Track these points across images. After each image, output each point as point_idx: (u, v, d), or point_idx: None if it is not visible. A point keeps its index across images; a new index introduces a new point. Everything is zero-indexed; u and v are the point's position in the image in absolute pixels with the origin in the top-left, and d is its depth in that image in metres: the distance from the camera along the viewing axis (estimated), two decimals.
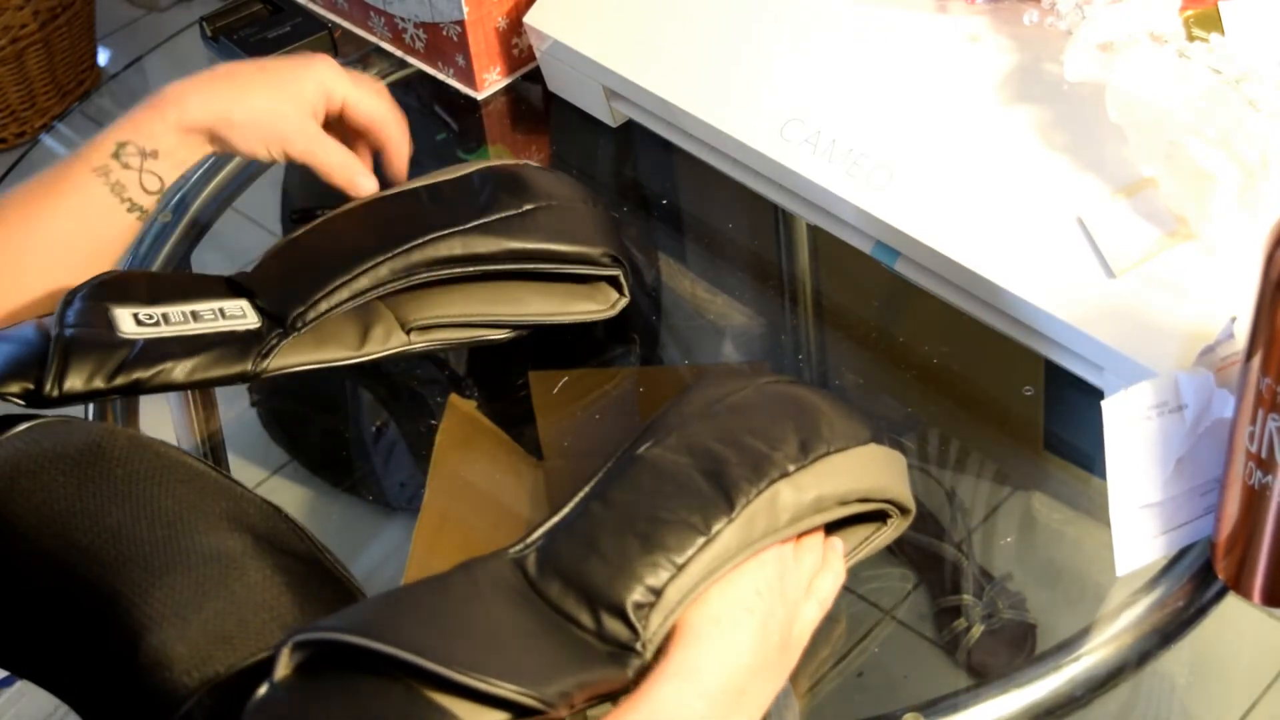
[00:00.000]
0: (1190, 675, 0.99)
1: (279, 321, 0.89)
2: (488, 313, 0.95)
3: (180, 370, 0.84)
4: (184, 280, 0.91)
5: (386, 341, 0.92)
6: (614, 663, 0.70)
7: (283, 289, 0.90)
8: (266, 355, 0.87)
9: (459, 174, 0.98)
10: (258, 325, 0.88)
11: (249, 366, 0.87)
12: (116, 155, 0.90)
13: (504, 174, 0.97)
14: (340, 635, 0.66)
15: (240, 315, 0.88)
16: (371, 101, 0.98)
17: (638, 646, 0.71)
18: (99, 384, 0.81)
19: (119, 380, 0.82)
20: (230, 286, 0.91)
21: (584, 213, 0.97)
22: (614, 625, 0.71)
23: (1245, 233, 0.88)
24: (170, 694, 0.68)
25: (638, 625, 0.71)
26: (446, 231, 0.91)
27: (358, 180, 0.96)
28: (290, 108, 0.95)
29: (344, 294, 0.89)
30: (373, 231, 0.92)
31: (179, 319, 0.87)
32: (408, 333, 0.93)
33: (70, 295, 0.86)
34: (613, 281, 1.00)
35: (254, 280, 0.91)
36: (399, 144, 1.01)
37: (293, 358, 0.89)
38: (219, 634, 0.69)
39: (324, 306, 0.89)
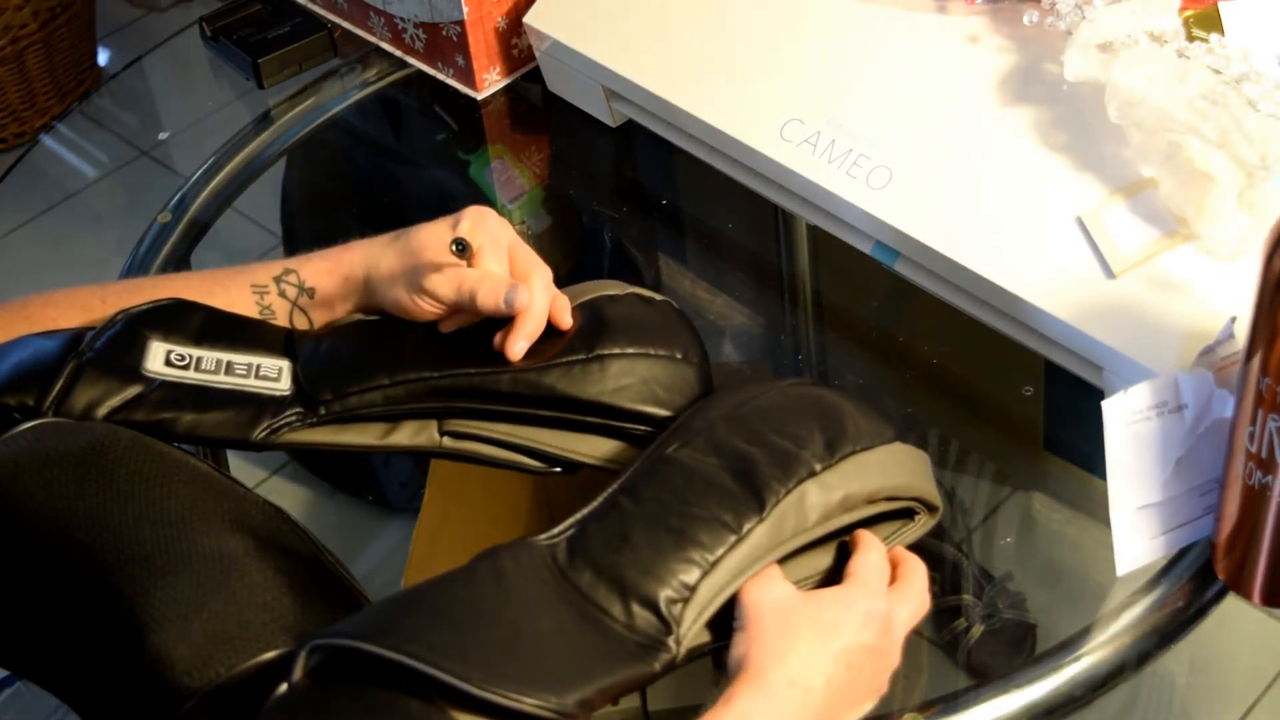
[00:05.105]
0: (1190, 675, 1.00)
1: (307, 399, 0.85)
2: (532, 440, 0.87)
3: (182, 423, 0.81)
4: (243, 324, 0.86)
5: (415, 438, 0.87)
6: (642, 656, 0.70)
7: (321, 369, 0.85)
8: (277, 431, 0.84)
9: (580, 298, 0.89)
10: (286, 394, 0.84)
11: (253, 436, 0.83)
12: (278, 280, 0.88)
13: (597, 312, 0.88)
14: (357, 643, 0.66)
15: (274, 378, 0.85)
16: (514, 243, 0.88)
17: (670, 641, 0.71)
18: (98, 414, 0.80)
19: (118, 415, 0.81)
20: (288, 342, 0.87)
21: (665, 368, 0.86)
22: (646, 618, 0.71)
23: (1245, 233, 0.88)
24: (171, 694, 0.68)
25: (670, 620, 0.71)
26: (498, 368, 0.85)
27: (511, 297, 0.84)
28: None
29: (377, 397, 0.84)
30: (428, 344, 0.87)
31: (210, 366, 0.83)
32: (441, 435, 0.87)
33: (119, 315, 0.83)
34: None
35: (305, 346, 0.87)
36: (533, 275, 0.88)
37: (307, 435, 0.85)
38: (220, 634, 0.69)
39: (354, 402, 0.84)
